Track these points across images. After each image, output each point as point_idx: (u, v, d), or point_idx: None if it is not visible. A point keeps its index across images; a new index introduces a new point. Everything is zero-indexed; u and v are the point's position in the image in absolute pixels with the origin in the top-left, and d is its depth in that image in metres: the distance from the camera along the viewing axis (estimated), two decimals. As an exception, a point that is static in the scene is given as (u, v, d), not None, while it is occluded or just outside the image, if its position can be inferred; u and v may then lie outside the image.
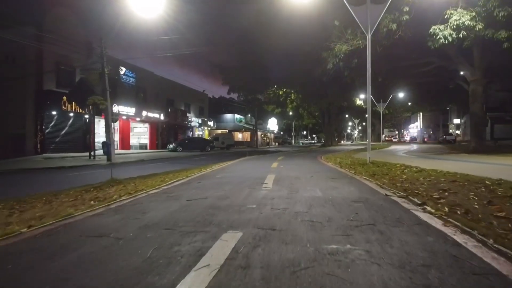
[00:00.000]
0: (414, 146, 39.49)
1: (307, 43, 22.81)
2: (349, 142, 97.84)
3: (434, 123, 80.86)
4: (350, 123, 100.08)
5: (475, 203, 4.99)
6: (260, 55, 45.19)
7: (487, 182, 7.01)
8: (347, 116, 78.00)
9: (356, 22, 13.40)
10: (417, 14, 15.20)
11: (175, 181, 8.62)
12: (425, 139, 72.52)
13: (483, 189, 6.22)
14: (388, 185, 6.98)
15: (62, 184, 10.11)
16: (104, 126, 24.13)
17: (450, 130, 70.39)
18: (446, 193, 5.91)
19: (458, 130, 68.66)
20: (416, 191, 6.11)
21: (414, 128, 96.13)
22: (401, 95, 37.46)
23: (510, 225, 3.73)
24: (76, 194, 7.25)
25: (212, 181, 8.29)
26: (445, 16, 14.37)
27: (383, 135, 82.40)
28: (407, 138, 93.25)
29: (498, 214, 4.20)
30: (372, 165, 12.61)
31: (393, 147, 40.17)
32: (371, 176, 8.81)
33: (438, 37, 14.44)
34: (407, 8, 14.88)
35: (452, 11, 14.07)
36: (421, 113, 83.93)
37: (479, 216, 4.13)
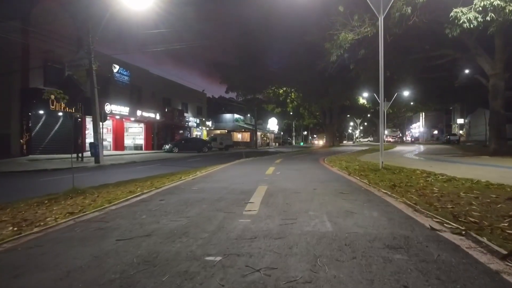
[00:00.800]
0: (421, 147, 37.40)
1: (309, 33, 20.66)
2: (351, 143, 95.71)
3: (437, 123, 78.89)
4: (351, 123, 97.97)
5: None
6: (259, 50, 43.01)
7: None
8: (348, 116, 75.90)
9: (364, 7, 11.46)
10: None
11: (137, 196, 6.57)
12: (417, 139, 71.01)
13: None
14: (423, 206, 4.94)
15: (22, 192, 8.68)
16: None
17: (454, 131, 68.37)
18: (521, 224, 3.89)
19: (462, 130, 66.67)
20: (472, 219, 4.08)
21: (416, 128, 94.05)
22: (406, 93, 35.39)
23: None
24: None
25: (181, 198, 6.22)
26: (470, -3, 12.30)
27: (385, 136, 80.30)
28: (409, 138, 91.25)
29: None
30: (386, 171, 10.56)
31: (399, 148, 38.08)
32: (391, 189, 6.77)
33: (461, 21, 12.35)
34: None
35: (479, -10, 11.99)
36: (423, 113, 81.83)
37: None
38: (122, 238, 3.56)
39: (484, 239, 3.25)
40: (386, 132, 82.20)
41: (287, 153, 30.83)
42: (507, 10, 11.96)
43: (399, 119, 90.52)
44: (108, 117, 27.98)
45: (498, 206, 4.87)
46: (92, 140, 20.98)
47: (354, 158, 19.23)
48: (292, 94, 55.32)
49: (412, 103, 52.69)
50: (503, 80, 17.65)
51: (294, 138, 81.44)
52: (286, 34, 27.34)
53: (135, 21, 21.06)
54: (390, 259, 2.82)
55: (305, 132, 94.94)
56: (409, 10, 13.60)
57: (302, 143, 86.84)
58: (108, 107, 30.73)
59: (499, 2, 11.68)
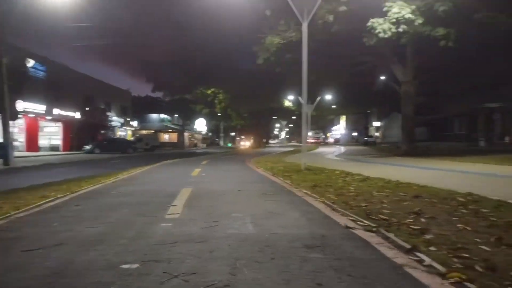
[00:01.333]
0: (342, 149, 39.49)
1: (239, 35, 20.86)
2: (277, 144, 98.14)
3: (357, 126, 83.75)
4: (277, 125, 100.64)
5: (478, 240, 3.34)
6: (190, 49, 42.38)
7: (459, 198, 5.56)
8: (275, 117, 77.83)
9: (290, 11, 11.79)
10: (355, 7, 13.98)
11: (50, 201, 6.12)
12: (338, 141, 75.22)
13: (465, 211, 4.69)
14: (340, 205, 5.22)
15: None
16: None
17: (371, 133, 73.13)
18: (423, 219, 4.26)
19: (378, 132, 71.55)
20: (382, 216, 4.38)
21: (338, 130, 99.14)
22: (329, 96, 37.19)
23: None
24: None
25: (100, 203, 5.92)
26: (384, 9, 13.29)
27: (309, 137, 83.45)
28: (331, 140, 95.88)
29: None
30: (308, 172, 10.99)
31: (321, 149, 39.79)
32: (312, 189, 7.05)
33: (377, 31, 13.30)
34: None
35: (392, 3, 13.00)
36: (344, 116, 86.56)
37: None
38: (28, 249, 3.27)
39: (392, 235, 3.51)
40: (309, 133, 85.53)
41: (215, 154, 30.80)
42: (416, 23, 13.12)
43: (322, 122, 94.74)
44: (20, 115, 25.80)
45: (405, 203, 5.30)
46: (1, 140, 19.17)
47: (279, 159, 19.76)
48: (220, 95, 55.34)
49: (334, 106, 55.52)
50: (413, 86, 19.28)
51: (222, 139, 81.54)
52: (217, 34, 27.26)
53: (60, 15, 19.60)
54: (307, 258, 2.93)
55: (233, 133, 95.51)
56: (331, 18, 14.31)
57: (230, 144, 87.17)
58: (21, 104, 28.32)
59: (410, 15, 12.77)
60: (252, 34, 17.62)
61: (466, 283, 2.36)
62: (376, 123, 71.51)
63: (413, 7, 12.74)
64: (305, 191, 6.83)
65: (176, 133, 65.63)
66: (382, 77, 25.80)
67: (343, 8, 13.66)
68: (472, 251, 2.98)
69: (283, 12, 16.03)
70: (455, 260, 2.78)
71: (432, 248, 3.08)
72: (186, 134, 67.10)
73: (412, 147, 19.55)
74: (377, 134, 70.28)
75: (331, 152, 30.16)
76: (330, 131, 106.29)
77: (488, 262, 2.71)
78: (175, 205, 5.47)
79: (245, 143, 74.85)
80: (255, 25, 17.47)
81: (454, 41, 13.66)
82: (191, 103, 59.01)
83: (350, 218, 4.43)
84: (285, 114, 68.78)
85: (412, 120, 19.63)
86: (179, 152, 40.65)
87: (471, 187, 6.55)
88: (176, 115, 66.78)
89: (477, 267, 2.62)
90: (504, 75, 28.11)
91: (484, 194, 5.80)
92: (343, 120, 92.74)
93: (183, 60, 43.42)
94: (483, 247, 3.13)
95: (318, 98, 29.08)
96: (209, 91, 54.43)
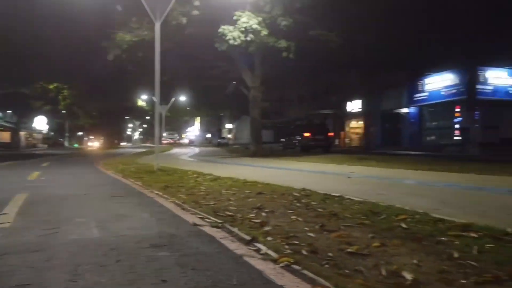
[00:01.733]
0: (196, 150, 40.11)
1: (87, 28, 19.32)
2: (130, 144, 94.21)
3: (211, 127, 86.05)
4: (131, 125, 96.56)
5: (307, 228, 3.87)
6: (27, 39, 37.21)
7: (295, 193, 6.29)
8: (128, 117, 74.52)
9: (143, 9, 11.52)
10: (209, 12, 14.46)
11: None
12: (193, 142, 76.83)
13: (298, 204, 5.34)
14: (190, 204, 5.38)
15: None
16: None
17: (224, 134, 76.14)
18: (264, 213, 4.71)
19: (230, 134, 75.01)
20: (229, 213, 4.70)
21: (192, 132, 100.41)
22: (183, 98, 37.44)
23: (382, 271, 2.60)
24: None
25: None
26: (234, 18, 14.08)
27: (164, 138, 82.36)
28: (186, 141, 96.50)
29: (350, 250, 3.08)
30: (161, 173, 10.92)
31: (176, 150, 39.74)
32: (164, 190, 7.07)
33: (227, 37, 14.00)
34: (197, 3, 13.91)
35: (241, 13, 13.85)
36: (199, 118, 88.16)
37: (332, 257, 2.91)
38: None
39: (235, 229, 3.81)
40: (164, 134, 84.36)
41: (58, 156, 27.96)
42: (262, 34, 14.26)
43: (178, 123, 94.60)
44: None
45: (250, 200, 5.75)
46: None
47: (131, 160, 19.05)
48: (65, 91, 50.30)
49: (188, 108, 56.03)
50: (260, 92, 20.84)
51: (67, 139, 74.30)
52: (63, 26, 24.61)
53: None
54: (154, 257, 2.98)
55: (81, 133, 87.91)
56: (184, 20, 14.48)
57: (76, 145, 79.99)
58: None
59: (257, 26, 13.80)
60: (103, 28, 16.58)
61: (293, 266, 2.73)
62: (229, 125, 74.62)
63: (260, 18, 13.82)
64: (157, 192, 6.80)
65: (9, 132, 57.30)
66: (234, 82, 27.14)
67: (195, 12, 13.99)
68: (300, 238, 3.45)
69: (135, 9, 15.55)
70: (287, 247, 3.18)
71: (269, 238, 3.46)
72: (22, 133, 59.14)
73: (260, 148, 21.10)
74: (229, 135, 73.40)
75: (186, 153, 30.37)
76: (185, 132, 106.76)
77: (312, 246, 3.18)
78: (5, 213, 4.85)
79: (94, 144, 69.74)
80: (106, 19, 16.51)
81: (294, 53, 15.30)
82: (29, 98, 52.10)
83: (199, 216, 4.62)
84: (139, 114, 66.52)
85: (259, 123, 21.18)
86: (14, 153, 35.49)
87: (305, 184, 7.45)
88: (9, 111, 58.24)
89: (303, 251, 3.05)
90: (335, 85, 32.54)
91: (315, 189, 6.67)
92: (197, 121, 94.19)
93: (19, 51, 38.01)
94: (310, 234, 3.64)
95: (173, 99, 29.00)
96: (51, 86, 48.91)
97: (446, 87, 27.38)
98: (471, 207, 5.12)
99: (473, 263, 2.62)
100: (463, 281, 2.32)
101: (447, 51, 24.50)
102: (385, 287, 2.30)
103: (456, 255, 2.81)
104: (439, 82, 28.25)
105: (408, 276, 2.43)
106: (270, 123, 51.71)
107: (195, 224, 4.17)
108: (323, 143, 27.35)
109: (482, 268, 2.53)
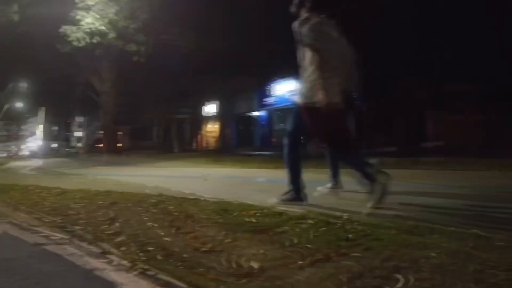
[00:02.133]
0: (40, 161, 35.72)
1: None
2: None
3: (59, 135, 78.06)
4: None
5: (163, 233, 3.89)
6: None
7: (151, 200, 6.17)
8: None
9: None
10: (49, 11, 13.06)
11: None
12: (36, 153, 69.13)
13: (155, 210, 5.27)
14: (31, 223, 4.84)
15: None
16: None
17: (73, 143, 69.96)
18: (117, 224, 4.53)
19: (79, 143, 69.36)
20: (78, 227, 4.38)
21: (34, 141, 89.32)
22: (20, 104, 33.13)
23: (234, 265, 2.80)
24: None
25: None
26: (77, 17, 13.06)
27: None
28: (28, 152, 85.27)
29: (204, 249, 3.23)
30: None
31: (15, 163, 34.66)
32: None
33: (70, 38, 12.92)
34: (16, 8, 12.46)
35: (85, 13, 12.92)
36: (41, 126, 78.93)
37: (187, 257, 3.01)
38: None
39: (85, 244, 3.59)
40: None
41: None
42: (110, 36, 13.56)
43: (14, 134, 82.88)
44: None
45: (103, 211, 5.45)
46: None
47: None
48: None
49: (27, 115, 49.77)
50: (111, 97, 19.77)
51: None
52: None
53: None
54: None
55: None
56: (16, 17, 12.84)
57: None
58: None
59: (103, 27, 13.07)
60: None
61: (147, 272, 2.73)
62: (78, 133, 68.94)
63: (106, 20, 13.12)
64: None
65: None
66: (81, 86, 25.21)
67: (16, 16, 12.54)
68: (156, 244, 3.44)
69: None
70: (141, 254, 3.14)
71: (122, 248, 3.36)
72: None
73: (117, 156, 20.01)
74: (79, 144, 67.62)
75: (27, 166, 26.84)
76: (25, 143, 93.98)
77: (167, 250, 3.22)
78: None
79: None
80: None
81: (147, 55, 14.98)
82: None
83: (42, 235, 4.20)
84: None
85: (112, 129, 20.10)
86: None
87: (163, 189, 7.37)
88: None
89: (158, 256, 3.07)
90: (191, 88, 32.90)
91: (172, 193, 6.66)
92: (40, 130, 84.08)
93: None
94: (166, 238, 3.66)
95: (7, 106, 25.43)
96: None
97: (290, 92, 30.21)
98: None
99: (309, 245, 3.02)
100: (301, 262, 2.66)
101: (290, 60, 27.03)
102: (235, 278, 2.49)
103: (295, 240, 3.21)
104: (284, 88, 31.00)
105: (255, 265, 2.68)
106: (127, 128, 49.45)
107: (37, 244, 3.78)
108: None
109: (317, 249, 2.94)
